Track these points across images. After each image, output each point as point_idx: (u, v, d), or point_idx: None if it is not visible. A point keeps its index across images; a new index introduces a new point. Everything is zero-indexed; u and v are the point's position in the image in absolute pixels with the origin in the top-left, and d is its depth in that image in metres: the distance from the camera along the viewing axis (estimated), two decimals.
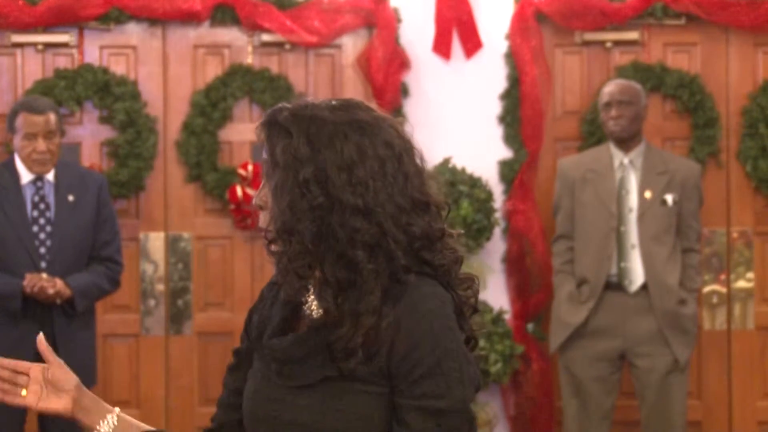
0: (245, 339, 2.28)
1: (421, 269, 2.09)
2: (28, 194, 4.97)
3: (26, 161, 4.94)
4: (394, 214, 2.07)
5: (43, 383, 2.20)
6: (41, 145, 4.90)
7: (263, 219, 2.14)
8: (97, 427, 2.21)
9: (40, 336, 2.22)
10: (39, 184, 4.97)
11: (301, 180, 2.05)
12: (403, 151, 2.11)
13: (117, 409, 2.24)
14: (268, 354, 2.15)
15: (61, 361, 2.21)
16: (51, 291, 4.80)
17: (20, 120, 4.92)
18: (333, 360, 2.06)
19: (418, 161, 2.13)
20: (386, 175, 2.07)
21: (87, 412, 2.21)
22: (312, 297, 2.12)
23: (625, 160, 5.56)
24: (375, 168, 2.07)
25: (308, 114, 2.09)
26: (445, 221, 2.15)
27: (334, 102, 2.12)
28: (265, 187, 2.13)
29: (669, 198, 5.49)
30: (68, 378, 2.21)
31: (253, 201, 2.16)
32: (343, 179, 2.05)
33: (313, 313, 2.12)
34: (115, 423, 2.21)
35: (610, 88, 5.62)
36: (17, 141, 4.94)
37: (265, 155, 2.12)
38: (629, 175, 5.54)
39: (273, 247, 2.11)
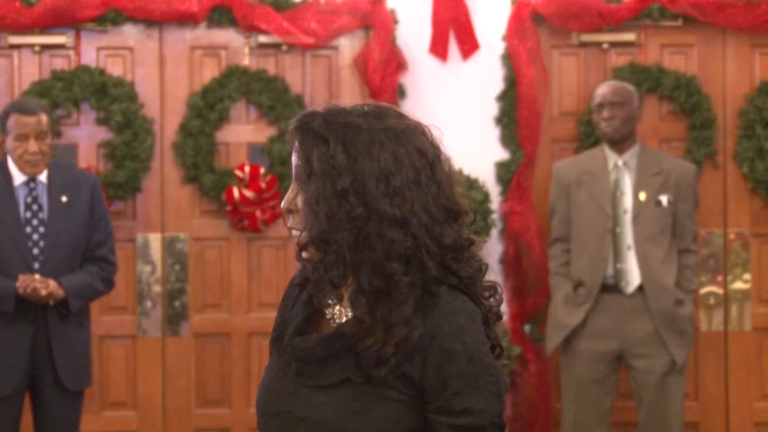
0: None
1: (448, 280, 2.08)
2: (21, 195, 4.96)
3: (18, 162, 4.94)
4: (427, 225, 2.06)
5: None
6: (33, 145, 4.90)
7: (293, 223, 2.12)
8: None
9: None
10: (32, 185, 4.97)
11: (339, 190, 2.04)
12: (434, 158, 2.10)
13: None
14: (290, 352, 2.14)
15: None
16: (44, 292, 4.80)
17: (12, 121, 4.92)
18: (360, 366, 2.05)
19: (447, 168, 2.13)
20: (421, 185, 2.07)
21: None
22: (336, 304, 2.12)
23: (620, 162, 5.55)
24: (410, 177, 2.06)
25: (342, 121, 2.08)
26: (471, 227, 2.14)
27: (366, 108, 2.11)
28: (295, 192, 2.11)
29: (664, 199, 5.49)
30: None
31: (282, 205, 2.15)
32: (380, 189, 2.04)
33: (336, 317, 2.12)
34: None
35: (602, 90, 5.62)
36: (9, 142, 4.94)
37: (297, 161, 2.10)
38: (624, 177, 5.53)
39: (304, 254, 2.10)
